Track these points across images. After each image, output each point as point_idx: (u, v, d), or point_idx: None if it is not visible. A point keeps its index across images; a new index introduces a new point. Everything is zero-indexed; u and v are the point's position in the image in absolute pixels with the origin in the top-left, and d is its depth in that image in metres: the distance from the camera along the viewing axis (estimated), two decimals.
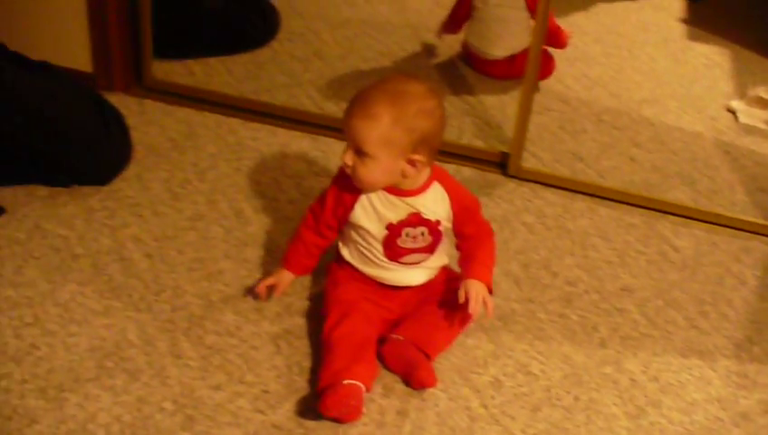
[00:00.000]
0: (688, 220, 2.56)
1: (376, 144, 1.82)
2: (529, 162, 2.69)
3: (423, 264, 2.00)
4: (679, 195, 2.68)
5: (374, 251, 1.96)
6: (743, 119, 3.16)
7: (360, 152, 1.84)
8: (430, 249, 1.98)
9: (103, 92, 2.67)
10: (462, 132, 2.83)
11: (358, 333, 1.90)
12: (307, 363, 1.94)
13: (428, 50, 3.32)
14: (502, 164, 2.67)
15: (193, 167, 2.53)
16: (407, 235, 1.93)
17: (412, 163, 1.86)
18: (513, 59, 3.11)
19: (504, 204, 2.52)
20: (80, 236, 2.23)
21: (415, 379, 1.88)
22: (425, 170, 1.92)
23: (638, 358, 2.07)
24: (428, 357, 1.91)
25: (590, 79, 3.27)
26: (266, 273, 2.15)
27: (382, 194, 1.92)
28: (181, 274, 2.15)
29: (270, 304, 2.08)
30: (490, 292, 1.96)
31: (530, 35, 2.58)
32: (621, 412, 1.92)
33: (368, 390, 1.84)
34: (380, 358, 1.93)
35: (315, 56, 3.19)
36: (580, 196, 2.60)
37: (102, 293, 2.07)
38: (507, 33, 3.12)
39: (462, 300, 1.91)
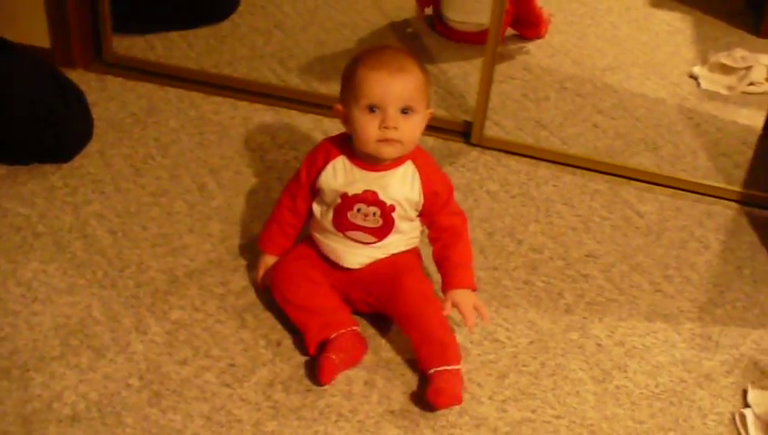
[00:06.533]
0: (652, 186, 2.57)
1: (419, 96, 1.83)
2: (492, 130, 2.69)
3: (367, 247, 1.94)
4: (643, 160, 2.69)
5: (326, 215, 1.93)
6: (705, 85, 3.17)
7: (405, 109, 1.82)
8: (379, 234, 1.92)
9: (63, 69, 2.64)
10: None
11: (315, 285, 1.93)
12: (274, 336, 1.93)
13: (389, 19, 3.31)
14: (465, 133, 2.66)
15: (155, 142, 2.51)
16: (358, 210, 1.88)
17: (428, 118, 1.89)
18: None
19: (467, 173, 2.52)
20: (41, 215, 2.21)
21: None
22: None
23: (604, 323, 2.08)
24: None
25: (553, 47, 3.27)
26: (230, 247, 2.16)
27: (349, 164, 1.89)
28: (145, 249, 2.14)
29: (235, 277, 2.07)
30: (475, 289, 1.95)
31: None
32: (588, 377, 1.94)
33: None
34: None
35: (277, 28, 3.17)
36: (544, 163, 2.60)
37: (66, 270, 2.06)
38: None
39: (448, 312, 1.90)
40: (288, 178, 2.33)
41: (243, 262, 2.13)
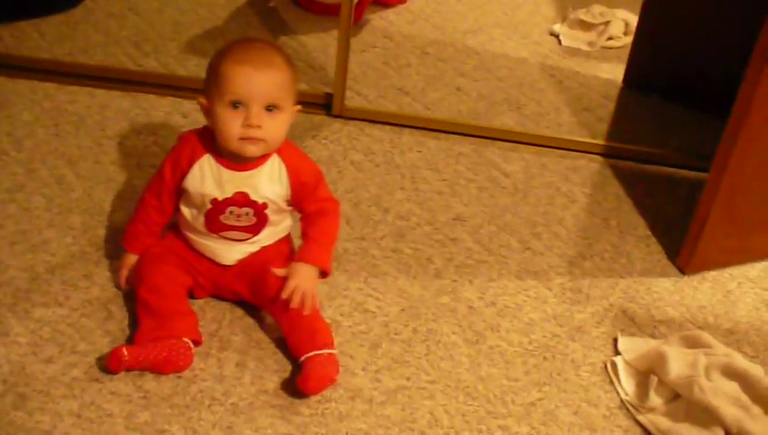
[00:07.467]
0: (517, 145, 2.59)
1: (285, 93, 1.78)
2: (354, 101, 2.68)
3: (244, 242, 1.91)
4: (507, 120, 2.71)
5: (197, 218, 1.89)
6: (565, 42, 3.22)
7: (270, 107, 1.77)
8: (253, 230, 1.89)
9: None
10: None
11: (168, 285, 1.88)
12: None
13: None
14: (326, 105, 2.64)
15: (8, 137, 2.42)
16: (230, 212, 1.85)
17: (295, 115, 1.85)
18: None
19: (330, 145, 2.51)
20: None
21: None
22: None
23: (475, 285, 2.09)
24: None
25: (413, 13, 3.27)
26: (92, 238, 2.09)
27: (215, 165, 1.84)
28: (2, 248, 2.07)
29: (99, 269, 2.02)
30: (326, 271, 1.89)
31: None
32: (461, 340, 1.94)
33: (198, 343, 1.84)
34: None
35: (131, 12, 3.09)
36: (408, 130, 2.60)
37: None
38: None
39: (281, 274, 1.84)
40: (148, 163, 2.31)
41: (106, 253, 2.07)
